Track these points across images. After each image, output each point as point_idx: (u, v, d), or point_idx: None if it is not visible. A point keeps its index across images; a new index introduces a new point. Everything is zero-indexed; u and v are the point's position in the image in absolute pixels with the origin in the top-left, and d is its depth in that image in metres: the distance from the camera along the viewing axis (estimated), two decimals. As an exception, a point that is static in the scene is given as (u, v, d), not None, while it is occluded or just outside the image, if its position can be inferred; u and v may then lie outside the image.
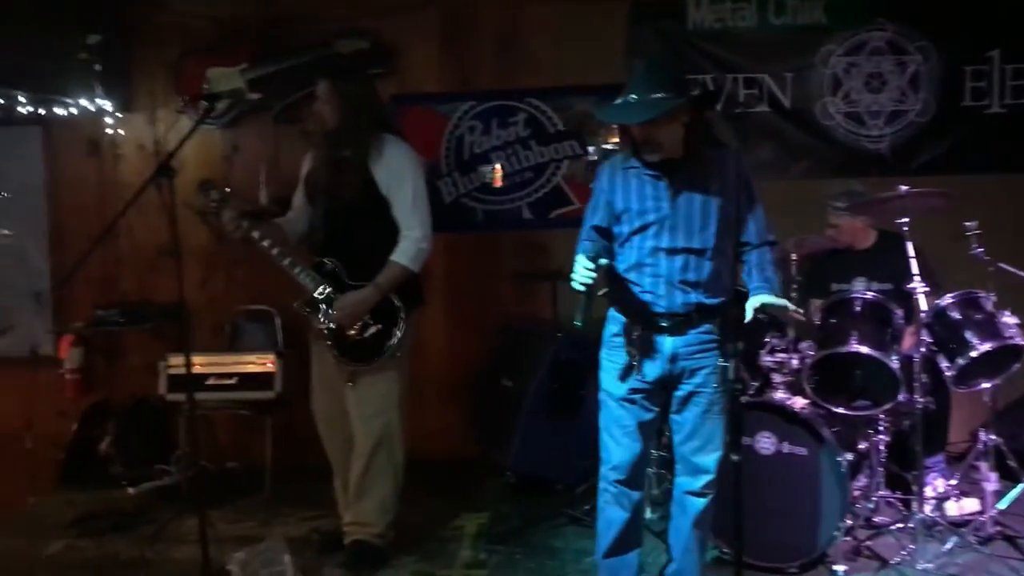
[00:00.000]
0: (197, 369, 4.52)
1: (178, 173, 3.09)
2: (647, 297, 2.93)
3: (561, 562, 3.76)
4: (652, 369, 2.96)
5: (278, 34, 5.02)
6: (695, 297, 2.91)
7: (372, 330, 3.61)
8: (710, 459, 3.01)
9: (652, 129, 2.80)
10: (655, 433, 3.11)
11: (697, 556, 3.15)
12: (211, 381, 4.58)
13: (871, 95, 4.91)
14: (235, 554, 3.07)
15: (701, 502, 3.07)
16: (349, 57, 4.90)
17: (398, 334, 3.61)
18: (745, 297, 3.88)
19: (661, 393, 3.03)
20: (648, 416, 3.04)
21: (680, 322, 2.92)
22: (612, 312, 3.04)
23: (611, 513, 3.13)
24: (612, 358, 3.06)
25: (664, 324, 2.92)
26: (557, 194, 5.11)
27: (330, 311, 3.61)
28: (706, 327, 2.94)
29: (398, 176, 3.61)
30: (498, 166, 5.14)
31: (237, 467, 5.08)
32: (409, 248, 3.63)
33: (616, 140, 4.84)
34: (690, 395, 2.98)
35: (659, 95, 2.75)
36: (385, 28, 5.06)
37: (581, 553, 3.83)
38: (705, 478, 3.03)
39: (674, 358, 2.94)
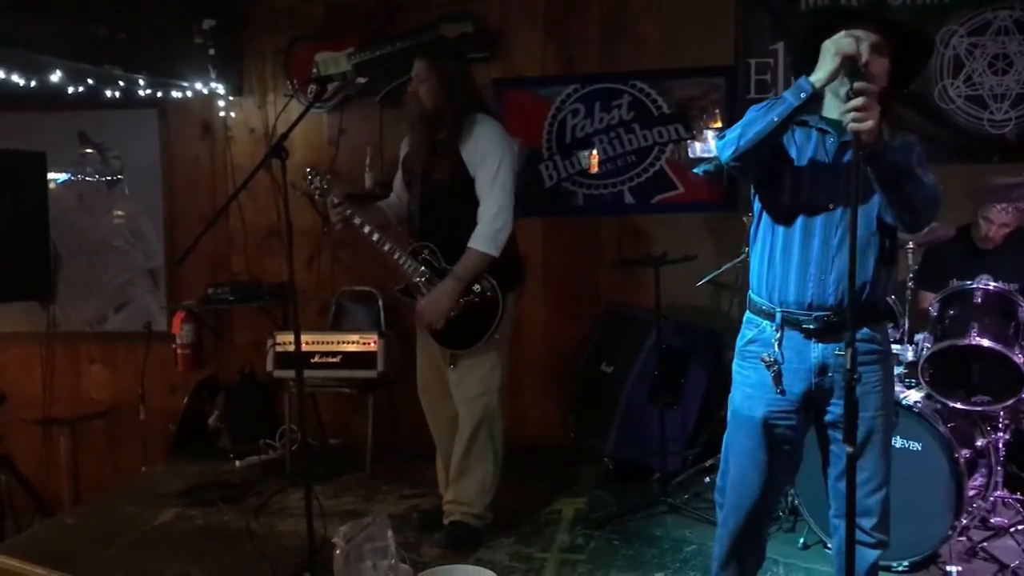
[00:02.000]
0: (303, 347, 4.61)
1: (288, 155, 3.15)
2: (792, 287, 2.46)
3: (660, 550, 3.71)
4: (797, 383, 2.50)
5: (385, 18, 5.08)
6: (834, 298, 2.43)
7: (467, 316, 3.59)
8: (872, 500, 2.52)
9: (875, 56, 2.25)
10: (795, 468, 2.67)
11: None
12: (316, 359, 4.68)
13: (995, 77, 4.66)
14: (340, 528, 3.12)
15: (870, 555, 2.56)
16: (454, 40, 4.92)
17: (496, 319, 3.61)
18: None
19: (807, 414, 2.55)
20: (787, 447, 2.57)
21: (833, 323, 2.43)
22: (748, 314, 2.61)
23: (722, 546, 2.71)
24: (744, 370, 2.59)
25: (811, 326, 2.45)
26: (660, 179, 5.04)
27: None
28: (865, 332, 2.43)
29: (482, 152, 3.56)
30: (594, 152, 5.09)
31: (339, 444, 5.19)
32: (483, 231, 3.54)
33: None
34: (839, 418, 2.44)
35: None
36: (490, 11, 5.07)
37: (680, 542, 3.78)
38: (867, 524, 2.52)
39: (823, 370, 2.46)
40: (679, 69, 4.93)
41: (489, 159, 3.55)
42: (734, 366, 2.65)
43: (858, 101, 2.14)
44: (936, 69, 4.70)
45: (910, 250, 3.80)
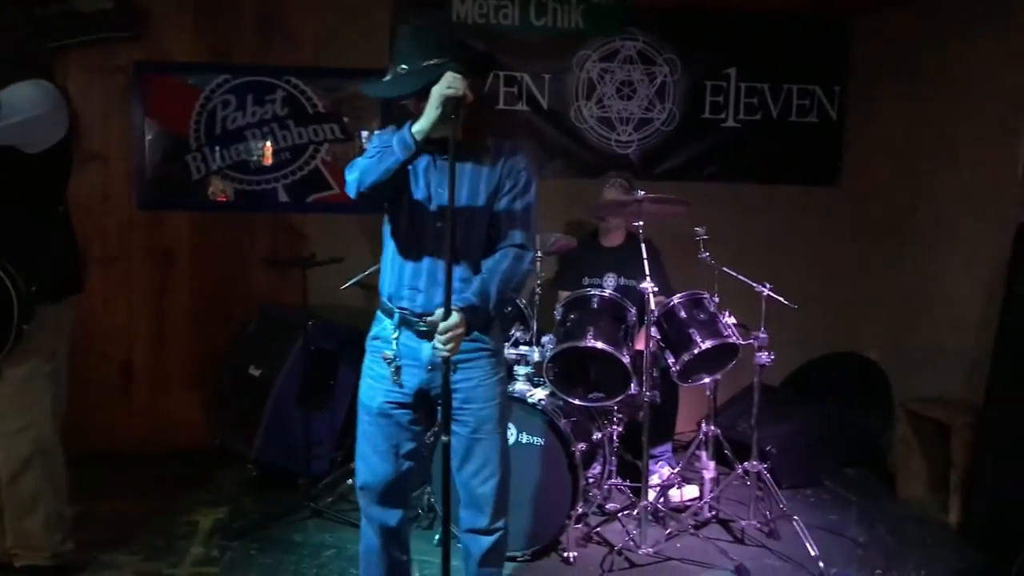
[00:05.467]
0: None
1: None
2: (405, 292, 2.61)
3: (298, 556, 3.66)
4: (411, 379, 2.62)
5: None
6: (456, 296, 2.52)
7: None
8: (487, 487, 2.68)
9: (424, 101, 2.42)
10: (416, 455, 2.75)
11: None
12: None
13: (622, 102, 5.14)
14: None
15: (486, 541, 2.74)
16: (90, 16, 4.52)
17: (11, 328, 2.98)
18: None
19: (424, 407, 2.68)
20: (406, 435, 2.69)
21: None
22: (378, 311, 2.72)
23: (367, 539, 2.82)
24: (369, 363, 2.71)
25: (422, 328, 2.56)
26: (316, 178, 4.97)
27: None
28: (473, 333, 2.59)
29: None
30: (268, 143, 4.92)
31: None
32: None
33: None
34: (454, 412, 2.59)
35: (432, 61, 2.44)
36: (135, -11, 4.72)
37: (320, 547, 3.75)
38: (486, 511, 2.70)
39: (434, 367, 2.59)
40: (335, 69, 4.90)
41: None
42: (365, 359, 2.74)
43: (446, 346, 2.42)
44: (573, 89, 5.09)
45: (538, 259, 4.07)
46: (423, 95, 2.42)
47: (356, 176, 2.49)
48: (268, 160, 4.95)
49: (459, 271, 2.56)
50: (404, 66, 2.48)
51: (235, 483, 4.46)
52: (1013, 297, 3.86)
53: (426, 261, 2.58)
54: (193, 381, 4.97)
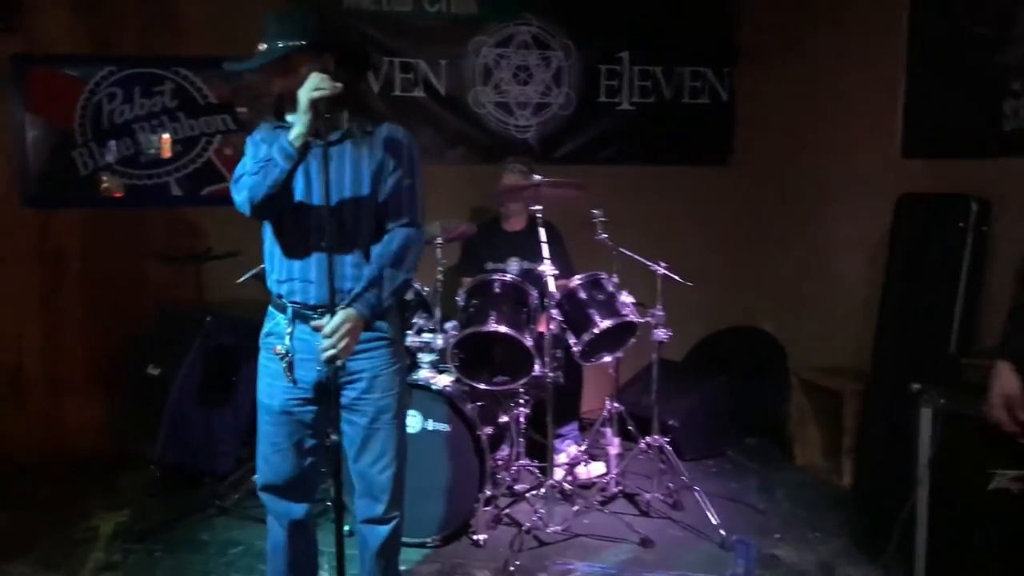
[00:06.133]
0: None
1: None
2: (297, 285, 2.57)
3: (205, 556, 3.60)
4: (308, 373, 2.59)
5: None
6: (350, 284, 2.53)
7: None
8: (384, 476, 2.67)
9: (286, 81, 2.45)
10: (318, 450, 2.72)
11: None
12: None
13: (519, 87, 5.17)
14: None
15: (383, 530, 2.73)
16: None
17: None
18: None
19: (325, 401, 2.61)
20: (308, 432, 2.66)
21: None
22: (270, 307, 2.67)
23: (274, 534, 2.78)
24: (265, 361, 2.67)
25: (317, 320, 2.52)
26: (209, 170, 4.86)
27: None
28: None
29: None
30: (166, 135, 4.79)
31: None
32: None
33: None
34: (353, 402, 2.60)
35: (290, 43, 2.43)
36: (7, -22, 4.51)
37: (227, 544, 3.70)
38: (383, 499, 2.68)
39: (331, 360, 2.50)
40: (225, 58, 4.75)
41: None
42: (259, 357, 2.69)
43: (338, 345, 2.41)
44: (470, 75, 5.10)
45: (438, 246, 4.07)
46: (267, 73, 2.48)
47: (246, 196, 2.47)
48: (167, 153, 4.82)
49: (351, 257, 2.55)
50: (263, 46, 2.48)
51: (137, 486, 4.35)
52: (893, 266, 4.05)
53: (314, 252, 2.53)
54: (89, 384, 4.81)
